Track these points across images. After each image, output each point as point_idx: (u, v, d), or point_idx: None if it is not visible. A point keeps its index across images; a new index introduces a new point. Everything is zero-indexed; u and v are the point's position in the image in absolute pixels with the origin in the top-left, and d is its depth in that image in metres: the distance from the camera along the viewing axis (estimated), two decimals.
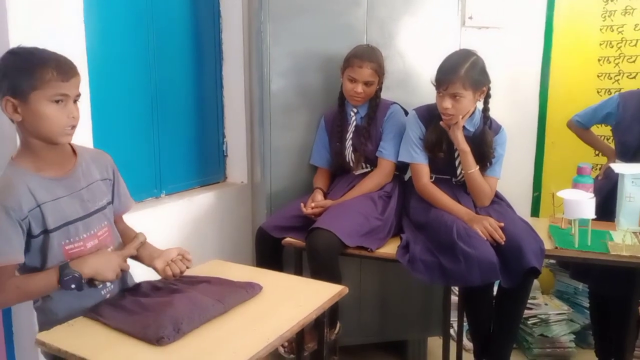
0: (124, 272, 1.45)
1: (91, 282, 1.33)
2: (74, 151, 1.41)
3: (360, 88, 2.10)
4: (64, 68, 1.27)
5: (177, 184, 2.54)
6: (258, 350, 1.18)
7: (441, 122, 1.96)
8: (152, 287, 1.46)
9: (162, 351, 1.17)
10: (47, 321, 1.34)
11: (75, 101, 1.31)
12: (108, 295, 1.41)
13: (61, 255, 1.31)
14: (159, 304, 1.34)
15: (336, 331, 2.11)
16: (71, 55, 1.81)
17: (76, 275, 1.27)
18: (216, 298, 1.36)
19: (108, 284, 1.41)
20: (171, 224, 2.35)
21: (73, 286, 1.27)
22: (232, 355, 1.15)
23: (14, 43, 1.64)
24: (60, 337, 1.24)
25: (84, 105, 1.90)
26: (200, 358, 1.15)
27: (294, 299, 1.44)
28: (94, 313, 1.33)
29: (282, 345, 2.03)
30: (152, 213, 2.27)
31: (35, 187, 1.28)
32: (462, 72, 1.84)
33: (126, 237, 1.54)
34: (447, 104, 1.87)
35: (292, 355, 2.04)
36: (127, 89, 2.24)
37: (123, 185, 1.55)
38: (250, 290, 1.45)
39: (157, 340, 1.18)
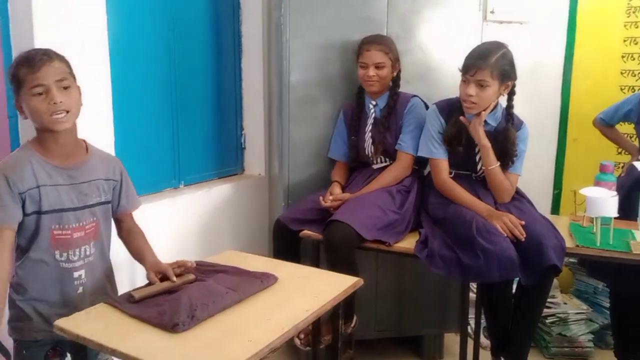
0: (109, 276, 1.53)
1: None
2: (87, 149, 1.48)
3: (371, 71, 2.10)
4: (32, 61, 1.32)
5: (196, 175, 2.56)
6: (273, 340, 1.18)
7: (461, 118, 1.93)
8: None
9: (177, 338, 1.17)
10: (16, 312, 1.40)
11: (65, 87, 1.35)
12: (80, 289, 1.43)
13: (48, 238, 1.38)
14: (174, 291, 1.35)
15: (352, 325, 2.10)
16: (93, 49, 1.86)
17: None
18: (231, 287, 1.37)
19: (82, 275, 1.44)
20: (189, 214, 2.38)
21: None
22: (248, 344, 1.15)
23: (38, 40, 1.68)
24: (78, 323, 1.26)
25: (105, 97, 1.92)
26: (215, 345, 1.15)
27: (310, 290, 1.44)
28: (112, 300, 1.34)
29: (298, 337, 2.03)
30: (170, 203, 2.29)
31: (39, 169, 1.36)
32: (492, 60, 1.82)
33: (132, 234, 1.58)
34: (472, 90, 1.85)
35: (308, 348, 2.04)
36: (147, 82, 2.27)
37: (132, 187, 1.59)
38: (265, 280, 1.45)
39: (172, 326, 1.19)
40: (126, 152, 2.09)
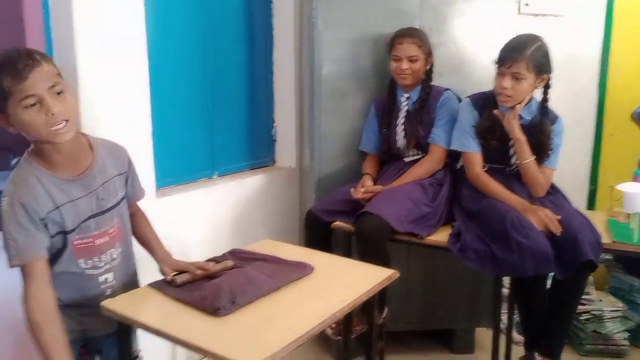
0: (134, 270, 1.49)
1: None
2: (90, 146, 1.36)
3: (404, 64, 2.10)
4: (17, 68, 1.14)
5: (229, 166, 2.61)
6: (312, 327, 1.20)
7: (495, 111, 1.92)
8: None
9: (219, 322, 1.21)
10: None
11: (58, 93, 1.19)
12: (108, 291, 1.38)
13: (71, 250, 1.30)
14: (213, 277, 1.39)
15: (383, 316, 2.11)
16: (132, 43, 1.90)
17: None
18: (269, 275, 1.40)
19: (109, 277, 1.39)
20: (222, 204, 2.43)
21: None
22: (287, 331, 1.17)
23: (78, 34, 1.72)
24: (124, 305, 1.30)
25: (143, 91, 1.97)
26: (255, 331, 1.18)
27: (345, 281, 1.46)
28: (155, 284, 1.39)
29: (330, 327, 2.05)
30: (204, 192, 2.34)
31: (52, 188, 1.25)
32: (528, 52, 1.81)
33: (136, 217, 1.52)
34: (507, 83, 1.83)
35: (339, 337, 2.06)
36: (183, 75, 2.31)
37: (137, 175, 1.50)
38: (302, 269, 1.47)
39: (213, 310, 1.22)
40: (163, 144, 2.15)
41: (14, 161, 3.61)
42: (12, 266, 1.22)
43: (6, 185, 1.23)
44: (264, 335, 1.16)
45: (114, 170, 1.39)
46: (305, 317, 1.23)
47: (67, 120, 1.20)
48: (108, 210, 1.36)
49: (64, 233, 1.28)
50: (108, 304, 1.30)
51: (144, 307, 1.30)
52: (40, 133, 1.19)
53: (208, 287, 1.32)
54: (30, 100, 1.16)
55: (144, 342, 1.44)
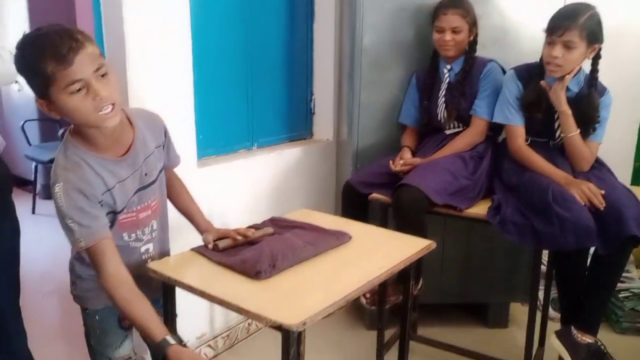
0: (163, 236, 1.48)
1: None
2: (130, 121, 1.32)
3: (448, 36, 2.06)
4: (60, 52, 1.08)
5: (267, 138, 2.64)
6: (349, 292, 1.22)
7: (542, 82, 1.87)
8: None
9: (260, 285, 1.25)
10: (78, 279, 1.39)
11: (102, 75, 1.14)
12: (149, 261, 1.40)
13: (115, 226, 1.30)
14: (254, 243, 1.43)
15: (419, 287, 2.13)
16: (176, 18, 1.92)
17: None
18: (308, 241, 1.43)
19: (150, 248, 1.42)
20: (261, 175, 2.47)
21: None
22: (325, 294, 1.20)
23: (127, 7, 1.76)
24: (168, 267, 1.36)
25: (186, 64, 2.00)
26: (294, 294, 1.22)
27: (383, 250, 1.48)
28: (197, 249, 1.44)
29: (364, 297, 2.08)
30: (244, 163, 2.39)
31: (102, 171, 1.24)
32: (581, 20, 1.75)
33: (174, 187, 1.53)
34: (558, 52, 1.78)
35: (373, 307, 2.09)
36: (224, 46, 2.33)
37: (172, 144, 1.49)
38: (340, 237, 1.50)
39: (255, 274, 1.26)
40: (204, 116, 2.19)
41: (60, 131, 3.74)
42: (79, 249, 1.23)
43: (57, 170, 1.21)
44: (303, 299, 1.20)
45: (153, 143, 1.38)
46: (343, 283, 1.26)
47: (113, 104, 1.16)
48: (151, 184, 1.38)
49: (114, 213, 1.30)
50: (154, 265, 1.36)
51: (187, 269, 1.36)
52: (88, 119, 1.16)
53: (249, 252, 1.36)
54: (77, 86, 1.11)
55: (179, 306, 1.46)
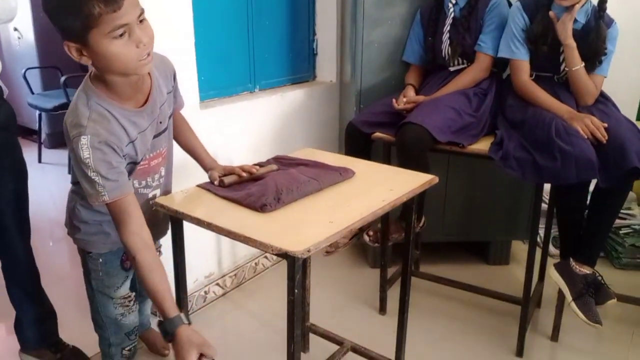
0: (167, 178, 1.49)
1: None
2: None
3: None
4: None
5: (270, 80, 2.62)
6: (352, 222, 1.25)
7: (551, 12, 1.83)
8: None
9: (265, 217, 1.28)
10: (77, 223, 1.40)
11: (141, 21, 1.11)
12: (155, 203, 1.39)
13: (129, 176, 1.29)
14: (259, 179, 1.45)
15: (421, 224, 2.16)
16: None
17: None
18: (312, 176, 1.44)
19: (157, 193, 1.44)
20: (264, 117, 2.47)
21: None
22: (329, 225, 1.23)
23: None
24: (175, 202, 1.39)
25: (185, 2, 1.96)
26: (299, 225, 1.25)
27: (386, 184, 1.50)
28: (203, 185, 1.47)
29: (368, 235, 2.13)
30: (247, 105, 2.38)
31: (125, 122, 1.21)
32: None
33: (179, 127, 1.53)
34: None
35: (376, 244, 2.14)
36: None
37: (178, 88, 1.48)
38: (344, 173, 1.51)
39: (260, 206, 1.29)
40: (205, 57, 2.16)
41: (63, 78, 3.71)
42: (100, 202, 1.19)
43: (80, 121, 1.15)
44: (307, 228, 1.23)
45: (165, 90, 1.36)
46: (347, 214, 1.29)
47: (149, 52, 1.14)
48: (163, 131, 1.37)
49: (134, 163, 1.30)
50: (162, 200, 1.39)
51: (194, 204, 1.38)
52: (128, 66, 1.12)
53: (254, 187, 1.38)
54: (120, 31, 1.07)
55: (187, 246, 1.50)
